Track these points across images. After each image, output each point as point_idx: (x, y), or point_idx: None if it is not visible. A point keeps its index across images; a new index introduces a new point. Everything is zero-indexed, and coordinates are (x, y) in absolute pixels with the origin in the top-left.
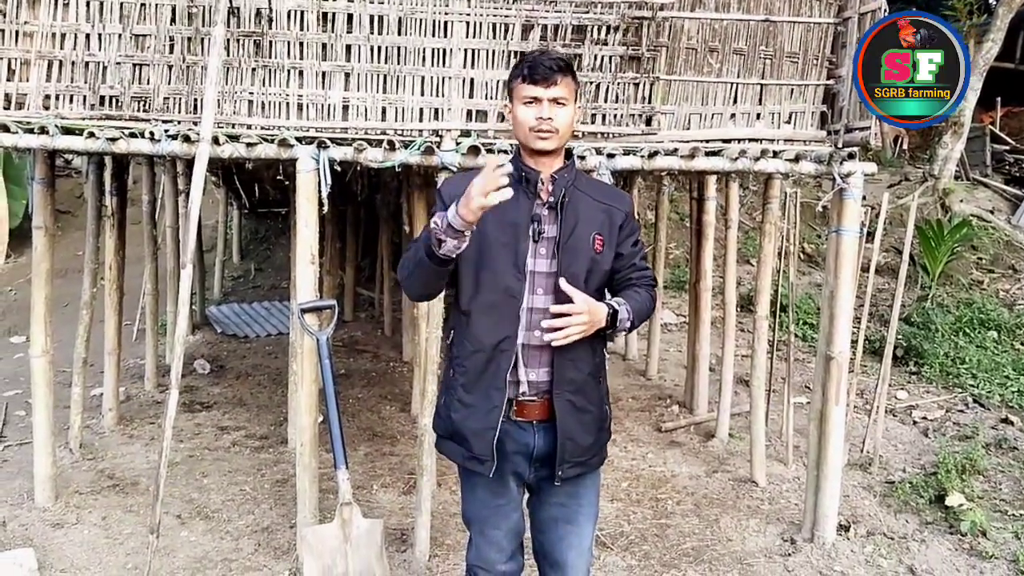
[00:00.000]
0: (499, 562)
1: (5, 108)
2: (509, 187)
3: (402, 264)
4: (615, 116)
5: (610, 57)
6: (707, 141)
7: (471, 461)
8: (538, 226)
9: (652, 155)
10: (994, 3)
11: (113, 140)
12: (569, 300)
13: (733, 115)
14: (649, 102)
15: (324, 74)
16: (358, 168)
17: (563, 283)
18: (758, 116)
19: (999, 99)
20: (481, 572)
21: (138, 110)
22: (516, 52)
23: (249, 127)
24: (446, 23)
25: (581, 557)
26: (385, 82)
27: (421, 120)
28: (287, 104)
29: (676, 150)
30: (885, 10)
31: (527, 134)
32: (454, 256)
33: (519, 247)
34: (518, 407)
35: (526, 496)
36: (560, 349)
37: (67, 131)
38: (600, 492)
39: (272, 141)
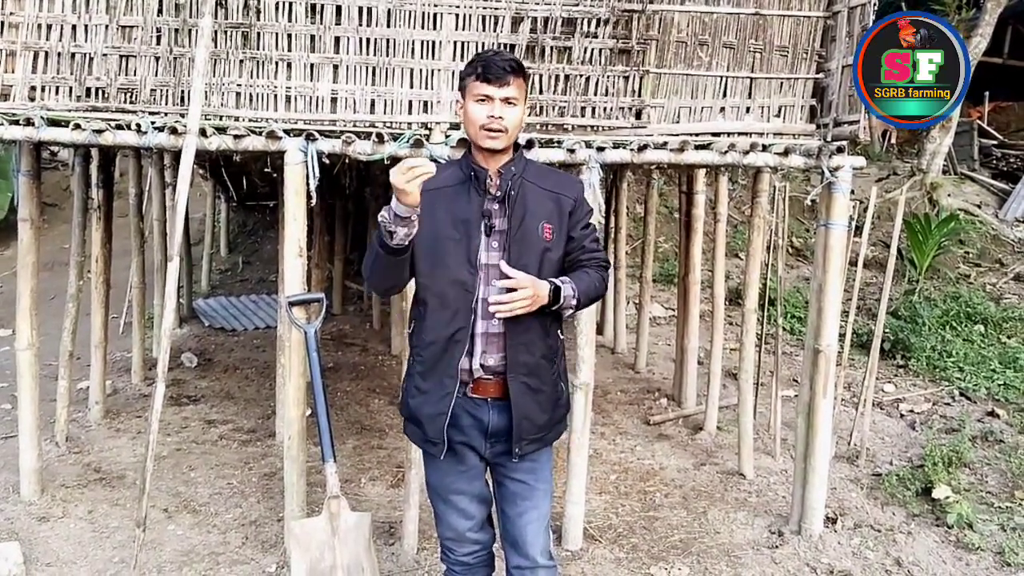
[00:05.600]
0: (468, 530)
1: None
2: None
3: (364, 263)
4: (605, 109)
5: (600, 50)
6: (696, 135)
7: (426, 444)
8: (489, 221)
9: (641, 148)
10: None
11: (99, 132)
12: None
13: (723, 109)
14: (639, 95)
15: (312, 66)
16: (347, 161)
17: (503, 265)
18: (747, 110)
19: (987, 94)
20: (452, 544)
21: (125, 102)
22: (506, 45)
23: (237, 119)
24: (435, 15)
25: (539, 536)
26: (374, 74)
27: (410, 113)
28: (275, 96)
29: (666, 144)
30: (875, 4)
31: (477, 131)
32: (407, 243)
33: (471, 243)
34: (474, 385)
35: (488, 474)
36: (513, 335)
37: (53, 123)
38: (587, 479)
39: (260, 133)
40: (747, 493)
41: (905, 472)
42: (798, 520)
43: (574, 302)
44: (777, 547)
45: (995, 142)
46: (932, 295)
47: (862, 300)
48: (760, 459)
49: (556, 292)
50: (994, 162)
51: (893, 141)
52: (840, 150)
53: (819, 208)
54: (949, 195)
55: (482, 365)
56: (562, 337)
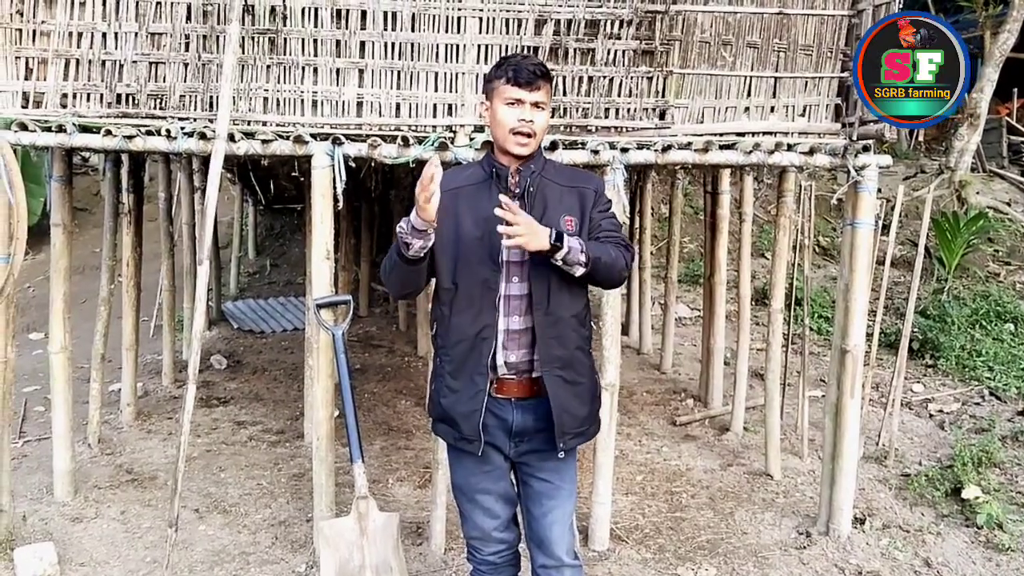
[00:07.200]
0: (494, 529)
1: (23, 107)
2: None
3: (383, 268)
4: (628, 110)
5: (623, 51)
6: (721, 135)
7: (461, 442)
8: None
9: (666, 149)
10: None
11: (130, 138)
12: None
13: (747, 108)
14: (663, 96)
15: (338, 71)
16: (372, 164)
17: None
18: (772, 109)
19: (1016, 90)
20: (478, 544)
21: (154, 108)
22: (529, 47)
23: (264, 124)
24: (459, 19)
25: (564, 535)
26: (399, 78)
27: (435, 116)
28: (302, 101)
29: (690, 144)
30: (900, 2)
31: (506, 135)
32: (423, 255)
33: (493, 240)
34: (498, 384)
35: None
36: (543, 329)
37: (84, 129)
38: (613, 480)
39: (287, 138)
40: (774, 494)
41: (934, 472)
42: (826, 521)
43: (582, 257)
44: (805, 548)
45: None
46: (961, 294)
47: (890, 299)
48: (787, 460)
49: (560, 239)
50: (1023, 159)
51: (920, 139)
52: (866, 149)
53: (845, 207)
54: (978, 193)
55: (505, 362)
56: (592, 327)
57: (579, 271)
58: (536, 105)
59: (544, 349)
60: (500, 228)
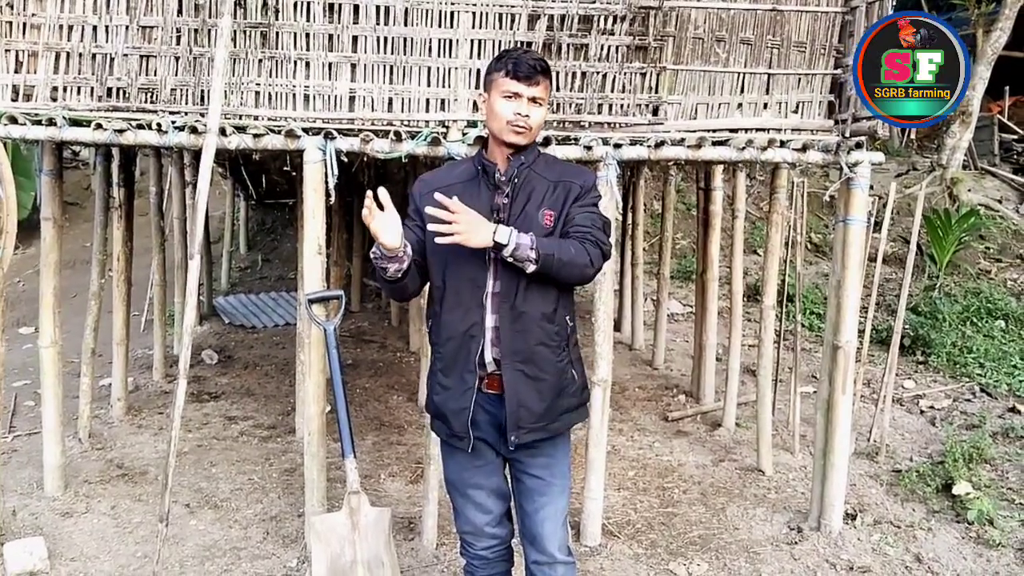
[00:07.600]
0: (486, 524)
1: (13, 100)
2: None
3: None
4: (622, 106)
5: (617, 47)
6: (714, 131)
7: (452, 438)
8: (498, 215)
9: (659, 145)
10: None
11: (120, 132)
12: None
13: (740, 105)
14: (656, 92)
15: (330, 65)
16: (365, 159)
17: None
18: (765, 105)
19: (1007, 88)
20: (471, 538)
21: (145, 101)
22: (523, 42)
23: (256, 118)
24: (452, 13)
25: (556, 531)
26: (391, 73)
27: (427, 111)
28: (294, 95)
29: (683, 140)
30: (893, 0)
31: (503, 127)
32: (401, 276)
33: None
34: (489, 381)
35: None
36: (505, 323)
37: (75, 123)
38: (605, 475)
39: (279, 132)
40: (766, 489)
41: (925, 468)
42: (817, 516)
43: (532, 254)
44: (796, 543)
45: (1016, 137)
46: (952, 291)
47: (881, 296)
48: (779, 455)
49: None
50: (1015, 157)
51: (912, 136)
52: (859, 145)
53: (838, 204)
54: (969, 190)
55: (494, 359)
56: (572, 324)
57: (530, 268)
58: (534, 100)
59: (506, 342)
60: (431, 227)
